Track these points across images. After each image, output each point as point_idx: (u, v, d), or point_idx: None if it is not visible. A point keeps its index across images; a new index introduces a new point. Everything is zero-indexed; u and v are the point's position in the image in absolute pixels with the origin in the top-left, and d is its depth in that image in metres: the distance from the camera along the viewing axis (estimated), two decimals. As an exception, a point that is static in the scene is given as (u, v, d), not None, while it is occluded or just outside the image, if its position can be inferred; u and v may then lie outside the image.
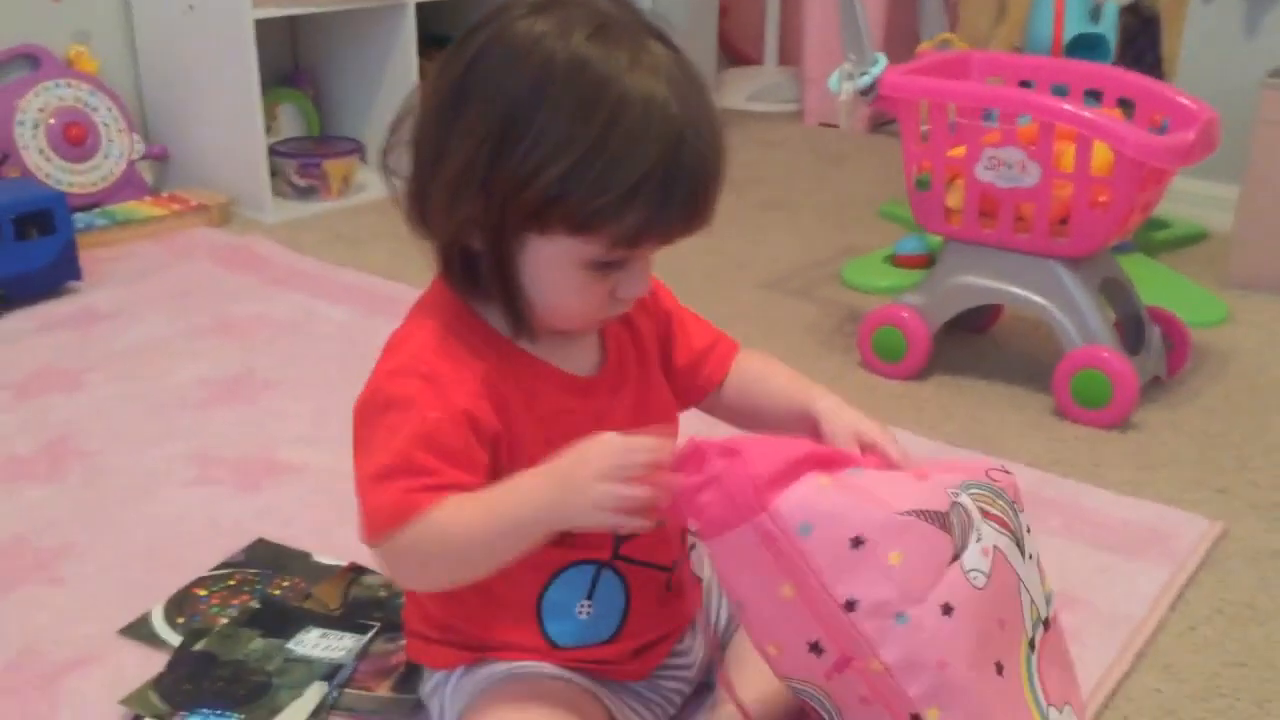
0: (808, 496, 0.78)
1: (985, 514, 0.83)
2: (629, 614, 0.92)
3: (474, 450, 0.82)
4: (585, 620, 0.91)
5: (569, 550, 0.87)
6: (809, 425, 0.95)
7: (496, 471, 0.83)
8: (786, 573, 0.77)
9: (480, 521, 0.79)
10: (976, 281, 1.65)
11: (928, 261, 2.07)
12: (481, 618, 0.91)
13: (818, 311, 1.97)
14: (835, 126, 3.14)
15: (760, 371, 1.00)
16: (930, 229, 1.71)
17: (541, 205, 0.78)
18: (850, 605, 0.77)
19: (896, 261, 2.09)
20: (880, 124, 3.14)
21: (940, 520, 0.80)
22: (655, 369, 0.95)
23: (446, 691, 0.94)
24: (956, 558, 0.79)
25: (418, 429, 0.80)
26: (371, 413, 0.84)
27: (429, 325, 0.86)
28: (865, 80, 1.63)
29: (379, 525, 0.81)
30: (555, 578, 0.89)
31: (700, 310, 1.02)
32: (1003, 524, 0.84)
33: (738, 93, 3.43)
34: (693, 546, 0.99)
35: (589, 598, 0.90)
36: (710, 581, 1.01)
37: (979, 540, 0.81)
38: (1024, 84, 1.73)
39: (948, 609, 0.77)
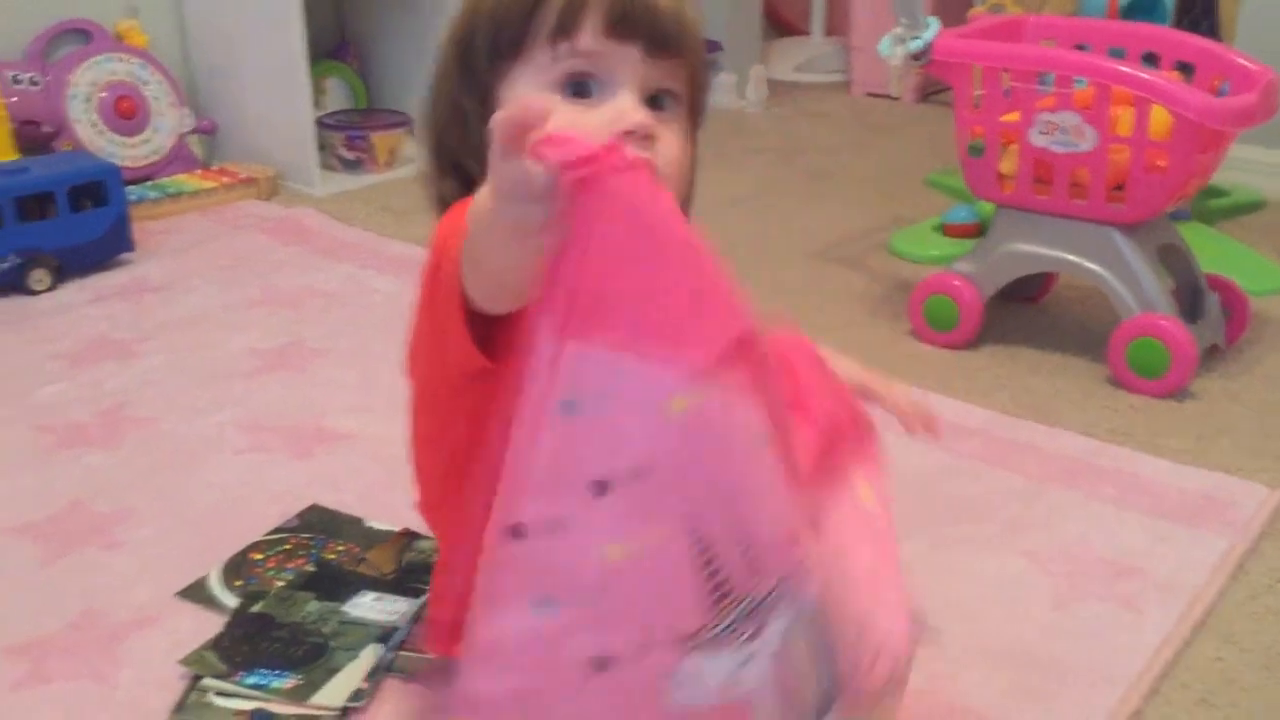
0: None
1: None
2: None
3: None
4: None
5: None
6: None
7: None
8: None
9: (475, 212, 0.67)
10: (1030, 249, 1.63)
11: (977, 230, 2.04)
12: None
13: (867, 280, 1.95)
14: (883, 97, 3.11)
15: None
16: (983, 196, 1.69)
17: (478, 33, 0.79)
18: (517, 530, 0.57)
19: (946, 231, 2.06)
20: (930, 93, 3.10)
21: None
22: None
23: None
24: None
25: None
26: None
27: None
28: (917, 44, 1.60)
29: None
30: None
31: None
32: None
33: (784, 63, 3.40)
34: None
35: None
36: None
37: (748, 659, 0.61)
38: (1079, 47, 1.70)
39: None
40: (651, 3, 0.78)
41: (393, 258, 2.02)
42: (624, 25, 0.77)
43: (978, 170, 1.65)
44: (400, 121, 2.53)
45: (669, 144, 0.79)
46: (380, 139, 2.47)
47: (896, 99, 3.05)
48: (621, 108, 0.77)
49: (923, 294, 1.70)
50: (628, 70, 0.78)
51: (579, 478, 0.56)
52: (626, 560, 0.57)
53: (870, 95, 3.16)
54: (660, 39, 0.78)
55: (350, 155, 2.47)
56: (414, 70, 2.62)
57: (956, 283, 1.67)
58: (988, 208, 1.98)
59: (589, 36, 0.77)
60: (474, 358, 0.74)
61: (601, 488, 0.56)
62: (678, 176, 0.81)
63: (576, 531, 0.56)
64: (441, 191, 0.85)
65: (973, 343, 1.69)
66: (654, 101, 0.79)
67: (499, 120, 0.55)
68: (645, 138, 0.77)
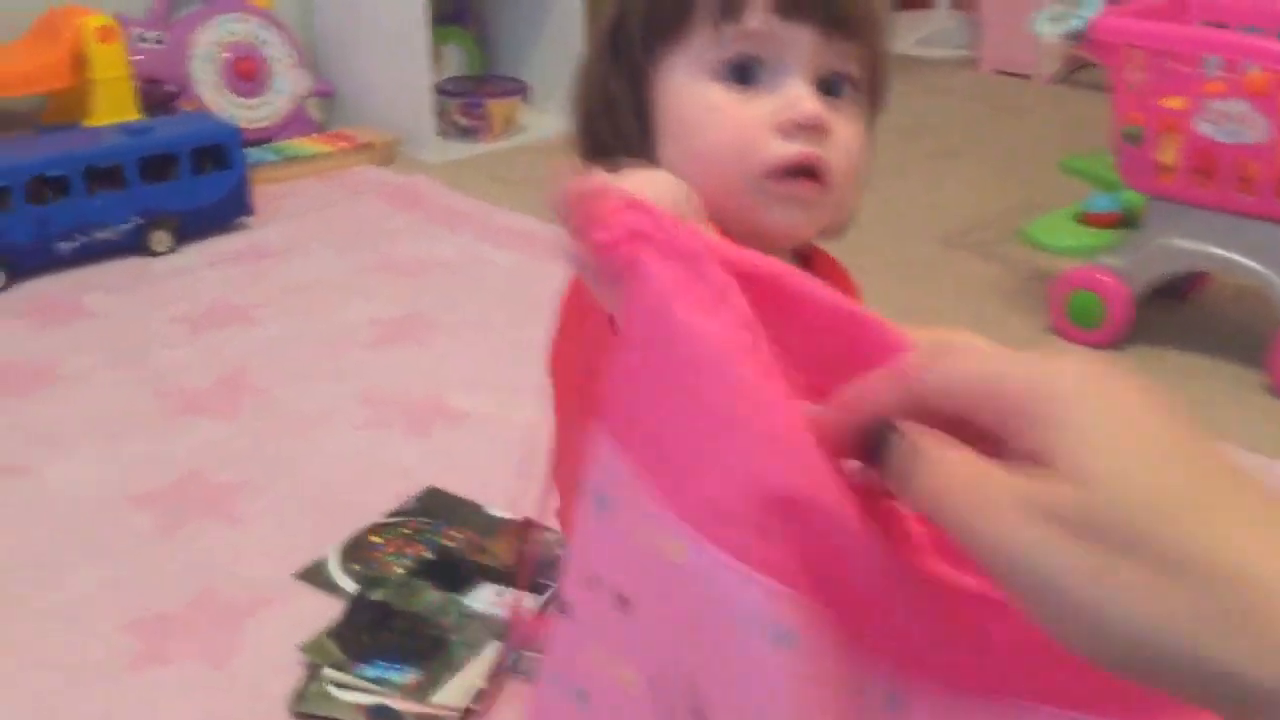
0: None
1: None
2: None
3: None
4: None
5: None
6: None
7: None
8: None
9: None
10: (1188, 245, 1.53)
11: (1120, 221, 1.94)
12: None
13: (1000, 270, 1.86)
14: (1012, 75, 2.98)
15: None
16: (1138, 187, 1.59)
17: (632, 15, 0.72)
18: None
19: (1087, 220, 1.96)
20: (1073, 70, 2.96)
21: None
22: None
23: None
24: None
25: None
26: None
27: None
28: (1076, 24, 1.50)
29: None
30: None
31: (875, 267, 0.93)
32: None
33: (906, 37, 3.28)
34: None
35: None
36: None
37: None
38: (1247, 29, 1.58)
39: None
40: None
41: (508, 229, 1.98)
42: (796, 4, 0.69)
43: (1133, 159, 1.55)
44: (517, 89, 2.49)
45: (845, 135, 0.72)
46: (497, 106, 2.43)
47: (1038, 78, 2.92)
48: (790, 96, 0.70)
49: (1066, 288, 1.61)
50: (799, 54, 0.70)
51: (600, 578, 0.49)
52: (619, 686, 0.49)
53: (999, 73, 3.03)
54: (837, 19, 0.70)
55: (466, 123, 2.43)
56: (532, 36, 2.57)
57: (1104, 278, 1.58)
58: (1133, 197, 1.88)
59: (757, 17, 0.69)
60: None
61: (621, 601, 0.48)
62: (853, 174, 0.74)
63: (593, 634, 0.50)
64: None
65: (1119, 342, 1.59)
66: (828, 87, 0.72)
67: (552, 203, 0.48)
68: (818, 129, 0.71)
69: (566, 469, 0.84)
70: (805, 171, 0.71)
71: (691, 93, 0.71)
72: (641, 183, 0.50)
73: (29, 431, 1.36)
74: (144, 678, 0.99)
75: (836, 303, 0.47)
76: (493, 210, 2.07)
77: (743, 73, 0.70)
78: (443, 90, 2.43)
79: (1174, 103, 1.50)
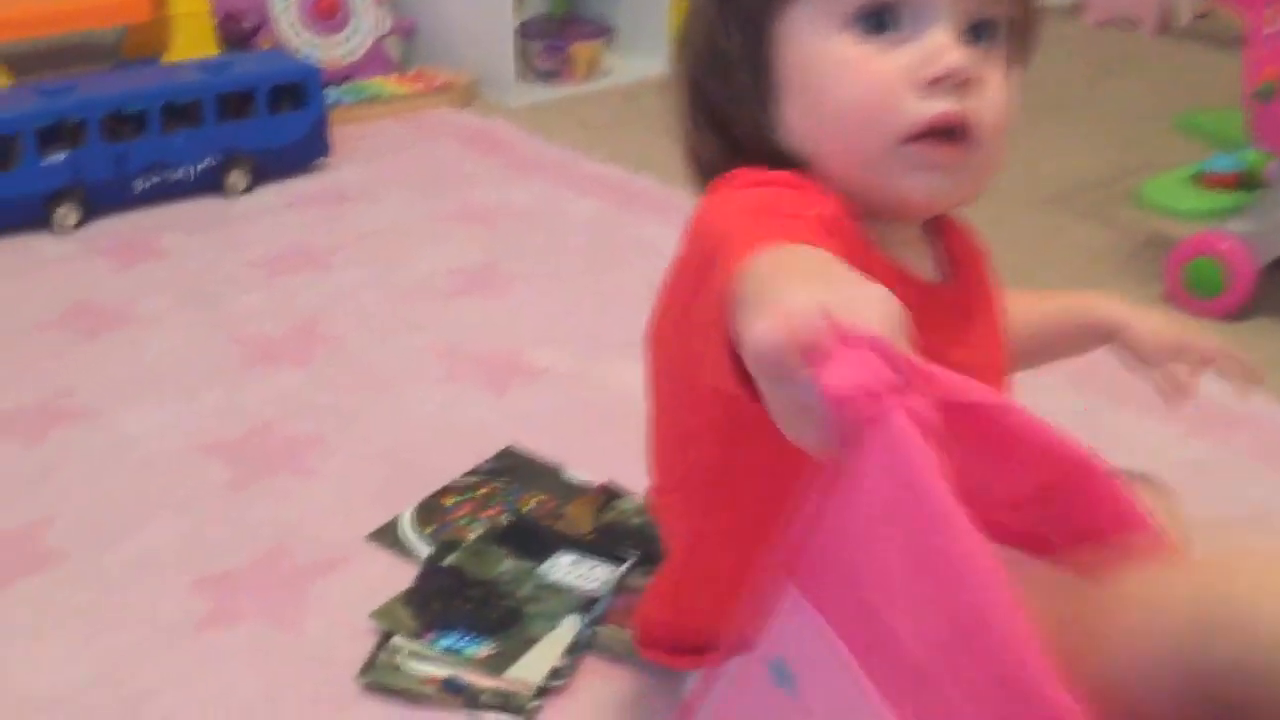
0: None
1: None
2: None
3: None
4: None
5: None
6: (1105, 336, 0.83)
7: None
8: None
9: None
10: (1323, 212, 1.42)
11: (1241, 181, 1.82)
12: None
13: (1111, 235, 1.76)
14: (1121, 26, 2.83)
15: (1021, 296, 0.83)
16: (1271, 147, 1.48)
17: None
18: None
19: (1205, 181, 1.84)
20: (1196, 19, 2.81)
21: None
22: (998, 304, 0.79)
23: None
24: None
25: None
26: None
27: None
28: (1212, -31, 1.39)
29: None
30: None
31: (980, 230, 0.83)
32: None
33: (1007, -16, 3.13)
34: None
35: None
36: None
37: None
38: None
39: None
40: None
41: (589, 176, 1.91)
42: None
43: (1267, 117, 1.44)
44: (600, 31, 2.41)
45: (994, 89, 0.64)
46: (579, 49, 2.35)
47: (1148, 29, 2.76)
48: (932, 46, 0.62)
49: (1184, 255, 1.51)
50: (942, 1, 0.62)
51: None
52: None
53: (1107, 23, 2.88)
54: None
55: (547, 65, 2.36)
56: (618, -24, 2.49)
57: (1226, 245, 1.47)
58: (1255, 157, 1.76)
59: None
60: (729, 382, 0.59)
61: None
62: (1002, 131, 0.66)
63: None
64: (700, 150, 0.70)
65: (1241, 313, 1.49)
66: (976, 34, 0.64)
67: (760, 343, 0.42)
68: (965, 83, 0.63)
69: (666, 453, 0.77)
70: (948, 133, 0.63)
71: (818, 45, 0.63)
72: (859, 306, 0.43)
73: (101, 375, 1.33)
74: (211, 641, 0.96)
75: (1061, 446, 0.42)
76: (573, 156, 2.00)
77: (878, 20, 0.62)
78: (524, 31, 2.36)
79: (1315, 58, 1.38)
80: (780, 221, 0.54)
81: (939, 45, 0.62)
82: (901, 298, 0.65)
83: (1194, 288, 1.50)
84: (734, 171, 0.66)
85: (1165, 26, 2.82)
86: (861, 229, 0.65)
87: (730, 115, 0.68)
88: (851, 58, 0.62)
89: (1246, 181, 1.81)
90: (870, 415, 0.39)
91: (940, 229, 0.74)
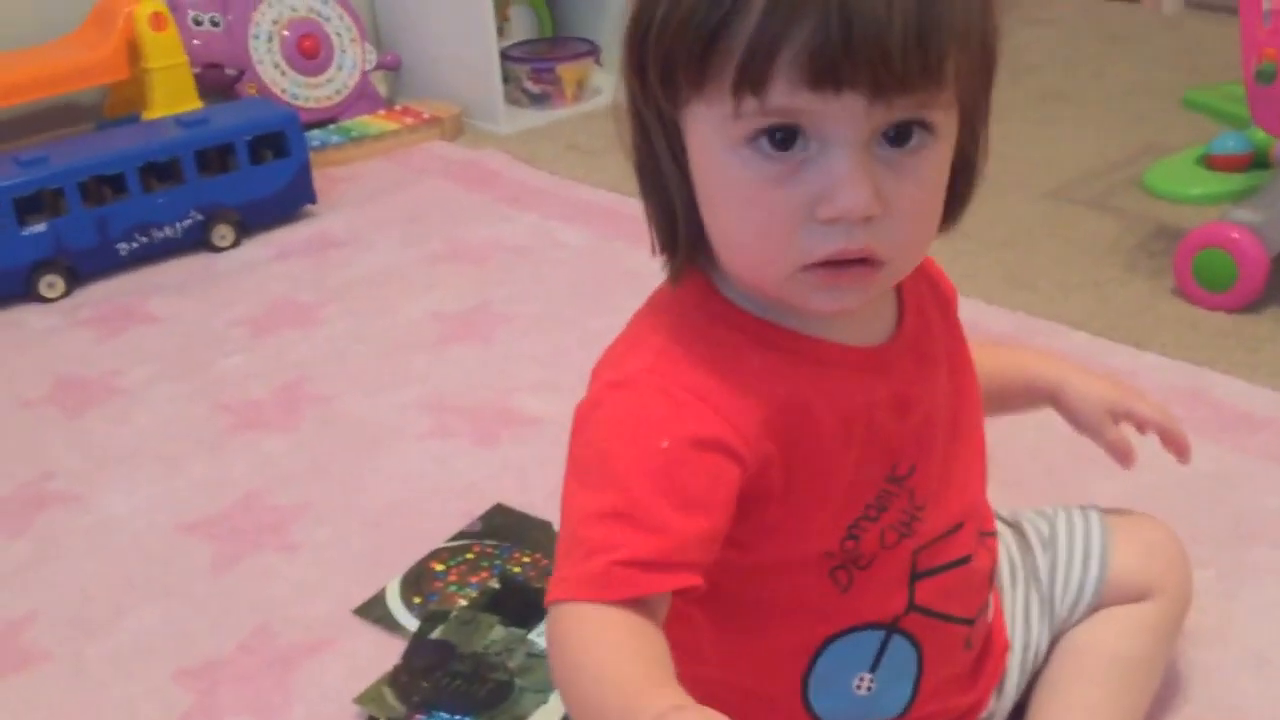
0: None
1: None
2: (920, 685, 0.72)
3: (720, 487, 0.60)
4: (864, 698, 0.71)
5: (849, 613, 0.68)
6: (1046, 397, 0.82)
7: (766, 497, 0.63)
8: None
9: (585, 672, 0.55)
10: (1334, 195, 1.36)
11: (1250, 162, 1.75)
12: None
13: (1117, 225, 1.70)
14: (1116, 0, 2.76)
15: (978, 344, 0.79)
16: (1273, 130, 1.42)
17: (649, 49, 0.58)
18: None
19: (1211, 163, 1.77)
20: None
21: None
22: (965, 344, 0.75)
23: None
24: None
25: (654, 463, 0.59)
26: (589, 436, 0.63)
27: (662, 332, 0.64)
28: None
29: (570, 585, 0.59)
30: (826, 646, 0.69)
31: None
32: None
33: (1004, -36, 3.06)
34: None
35: (871, 670, 0.70)
36: (1017, 643, 0.81)
37: None
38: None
39: None
40: (878, 30, 0.52)
41: (581, 205, 1.87)
42: (835, 74, 0.53)
43: (1267, 100, 1.38)
44: (588, 51, 2.37)
45: (906, 204, 0.57)
46: (567, 70, 2.31)
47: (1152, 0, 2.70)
48: (830, 181, 0.55)
49: (1193, 247, 1.45)
50: (844, 127, 0.55)
51: None
52: None
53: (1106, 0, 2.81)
54: (892, 82, 0.53)
55: (536, 89, 2.32)
56: (602, -7, 2.45)
57: (1236, 235, 1.42)
58: (1263, 136, 1.69)
59: (783, 92, 0.54)
60: None
61: None
62: (910, 247, 0.60)
63: None
64: (650, 224, 0.66)
65: (1254, 305, 1.43)
66: (895, 135, 0.56)
67: None
68: (865, 218, 0.56)
69: None
70: (847, 261, 0.57)
71: (718, 156, 0.57)
72: None
73: (85, 454, 1.31)
74: (191, 737, 0.93)
75: None
76: (563, 184, 1.97)
77: (777, 139, 0.56)
78: (510, 56, 2.32)
79: (1315, 34, 1.32)
80: (607, 543, 0.57)
81: (835, 181, 0.55)
82: (833, 376, 0.64)
83: (1205, 280, 1.45)
84: (641, 313, 0.66)
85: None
86: (781, 315, 0.64)
87: (657, 176, 0.64)
88: (747, 184, 0.57)
89: (1260, 160, 1.75)
90: None
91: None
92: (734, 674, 0.69)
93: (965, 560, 0.71)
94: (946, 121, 0.58)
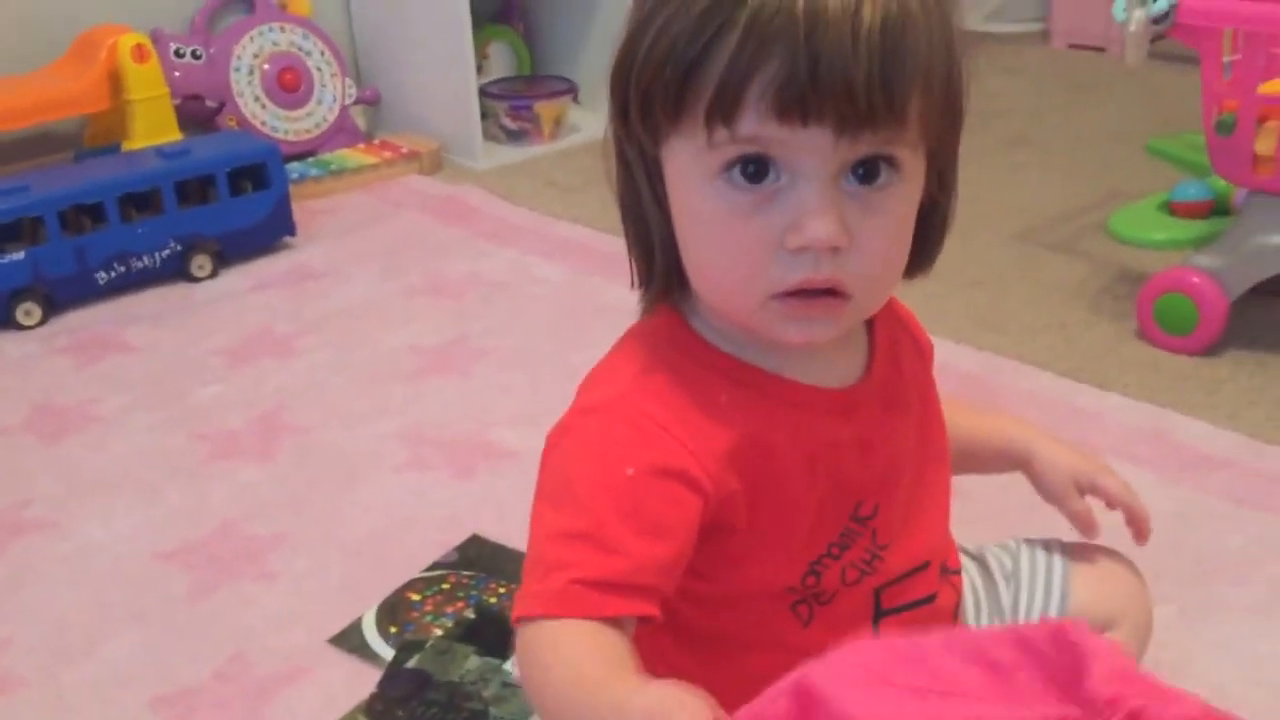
0: None
1: None
2: None
3: (681, 516, 0.62)
4: None
5: (813, 646, 0.71)
6: (1016, 464, 0.83)
7: (729, 532, 0.65)
8: None
9: (556, 675, 0.58)
10: (1290, 243, 1.40)
11: (1211, 209, 1.81)
12: None
13: (1083, 269, 1.74)
14: (1089, 49, 2.82)
15: (957, 404, 0.82)
16: (1232, 179, 1.46)
17: (630, 84, 0.61)
18: None
19: (1174, 209, 1.83)
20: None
21: None
22: (936, 396, 0.77)
23: None
24: None
25: (618, 489, 0.62)
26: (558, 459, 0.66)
27: (636, 362, 0.67)
28: (1161, 4, 1.38)
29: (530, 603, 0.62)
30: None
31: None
32: None
33: (973, 12, 3.13)
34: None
35: None
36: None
37: None
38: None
39: None
40: (844, 68, 0.55)
41: (559, 240, 1.90)
42: (802, 106, 0.56)
43: (1226, 150, 1.42)
44: (566, 89, 2.40)
45: (873, 239, 0.59)
46: (545, 108, 2.34)
47: (1116, 51, 2.76)
48: (799, 212, 0.58)
49: (1154, 292, 1.49)
50: (812, 159, 0.57)
51: None
52: None
53: (1074, 47, 2.88)
54: (858, 115, 0.56)
55: (514, 125, 2.35)
56: (582, 34, 2.48)
57: (1196, 280, 1.45)
58: (1224, 184, 1.74)
59: (753, 122, 0.57)
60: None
61: None
62: (886, 274, 0.62)
63: None
64: (632, 261, 0.68)
65: (1214, 348, 1.47)
66: (863, 172, 0.59)
67: None
68: (833, 249, 0.58)
69: None
70: (815, 291, 0.60)
71: (691, 195, 0.61)
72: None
73: (62, 481, 1.31)
74: (167, 766, 0.93)
75: None
76: (541, 220, 1.99)
77: (749, 170, 0.58)
78: (489, 93, 2.35)
79: (1271, 87, 1.37)
80: (572, 564, 0.59)
81: (803, 212, 0.58)
82: (799, 416, 0.66)
83: (1166, 323, 1.48)
84: (590, 381, 0.68)
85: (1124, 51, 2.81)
86: (751, 353, 0.66)
87: (638, 215, 0.66)
88: (721, 214, 0.60)
89: (1219, 208, 1.80)
90: None
91: (870, 322, 0.72)
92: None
93: (930, 599, 0.73)
94: (913, 160, 0.61)
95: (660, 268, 0.65)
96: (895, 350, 0.72)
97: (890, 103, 0.56)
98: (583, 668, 0.57)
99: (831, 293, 0.60)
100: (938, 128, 0.61)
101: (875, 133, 0.57)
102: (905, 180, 0.60)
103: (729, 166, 0.59)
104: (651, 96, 0.60)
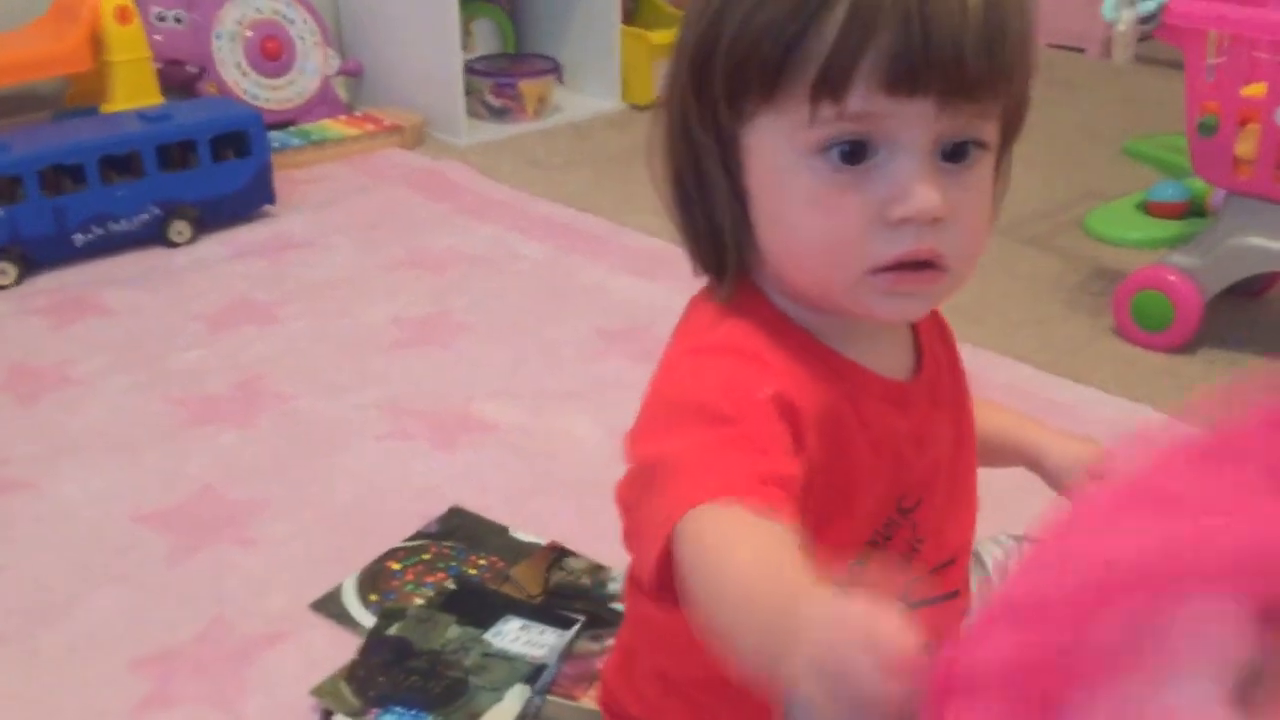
0: None
1: None
2: None
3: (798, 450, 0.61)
4: None
5: None
6: (1027, 462, 0.83)
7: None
8: None
9: (749, 563, 0.52)
10: (1267, 244, 1.42)
11: (1187, 209, 1.83)
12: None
13: (1060, 265, 1.76)
14: (1068, 49, 2.85)
15: (980, 399, 0.82)
16: (1212, 180, 1.48)
17: (716, 58, 0.61)
18: None
19: (1150, 209, 1.86)
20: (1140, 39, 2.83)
21: None
22: (967, 386, 0.77)
23: None
24: None
25: (758, 405, 0.60)
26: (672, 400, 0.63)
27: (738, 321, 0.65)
28: (1149, 5, 1.40)
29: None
30: None
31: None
32: None
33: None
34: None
35: None
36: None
37: None
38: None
39: None
40: (954, 37, 0.56)
41: (540, 219, 1.90)
42: (911, 78, 0.56)
43: (1207, 151, 1.44)
44: (550, 68, 2.40)
45: (968, 213, 0.60)
46: (529, 86, 2.34)
47: (1095, 51, 2.79)
48: (900, 183, 0.58)
49: (1131, 289, 1.51)
50: (913, 130, 0.58)
51: None
52: None
53: (1054, 47, 2.91)
54: (963, 86, 0.57)
55: (497, 103, 2.35)
56: (566, 12, 2.48)
57: (1172, 278, 1.48)
58: (1200, 185, 1.77)
59: (861, 96, 0.57)
60: (653, 593, 0.58)
61: None
62: (977, 248, 0.63)
63: None
64: (681, 222, 0.67)
65: (1188, 345, 1.49)
66: (952, 152, 0.60)
67: (857, 685, 0.44)
68: (933, 220, 0.59)
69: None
70: (916, 265, 0.60)
71: (784, 169, 0.60)
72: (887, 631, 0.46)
73: (39, 441, 1.30)
74: (147, 724, 0.93)
75: None
76: (522, 197, 1.99)
77: (848, 150, 0.59)
78: (473, 69, 2.35)
79: (1254, 90, 1.39)
80: (730, 461, 0.56)
81: (906, 182, 0.58)
82: (867, 401, 0.65)
83: (1142, 320, 1.51)
84: (696, 311, 0.67)
85: (1111, 50, 2.85)
86: (823, 334, 0.65)
87: (709, 213, 0.66)
88: (818, 193, 0.59)
89: (1194, 209, 1.83)
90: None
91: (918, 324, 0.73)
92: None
93: (953, 595, 0.73)
94: (994, 136, 0.62)
95: (733, 253, 0.64)
96: (934, 348, 0.73)
97: (994, 70, 0.58)
98: (770, 554, 0.52)
99: (930, 265, 0.60)
100: (1023, 93, 0.62)
101: (974, 103, 0.58)
102: (988, 154, 0.62)
103: (828, 146, 0.59)
104: (745, 74, 0.60)
